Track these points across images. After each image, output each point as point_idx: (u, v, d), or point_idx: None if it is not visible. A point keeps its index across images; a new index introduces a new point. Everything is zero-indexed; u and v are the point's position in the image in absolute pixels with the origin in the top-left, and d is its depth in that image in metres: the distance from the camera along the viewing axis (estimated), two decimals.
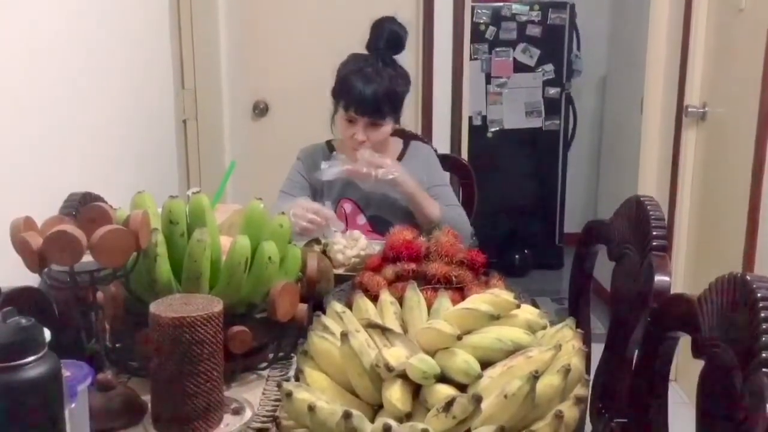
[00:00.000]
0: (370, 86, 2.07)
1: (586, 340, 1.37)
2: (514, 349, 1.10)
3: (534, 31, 4.49)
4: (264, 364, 1.42)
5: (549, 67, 4.54)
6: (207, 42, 3.08)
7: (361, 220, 2.15)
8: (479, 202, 2.52)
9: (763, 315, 1.00)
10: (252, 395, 1.32)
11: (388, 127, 2.12)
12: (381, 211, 2.15)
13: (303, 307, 1.41)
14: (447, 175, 2.36)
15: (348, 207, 2.19)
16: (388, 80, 2.09)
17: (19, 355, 0.91)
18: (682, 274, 3.06)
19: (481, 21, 4.44)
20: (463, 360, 1.07)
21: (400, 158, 2.23)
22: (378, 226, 2.10)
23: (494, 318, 1.14)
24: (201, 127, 3.13)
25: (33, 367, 0.92)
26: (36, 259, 1.16)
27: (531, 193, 4.76)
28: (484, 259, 1.59)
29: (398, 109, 2.15)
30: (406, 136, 2.35)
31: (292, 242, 1.52)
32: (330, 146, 2.26)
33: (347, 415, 0.97)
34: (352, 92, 2.07)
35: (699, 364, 1.18)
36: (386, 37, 2.14)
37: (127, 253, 1.21)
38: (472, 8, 3.93)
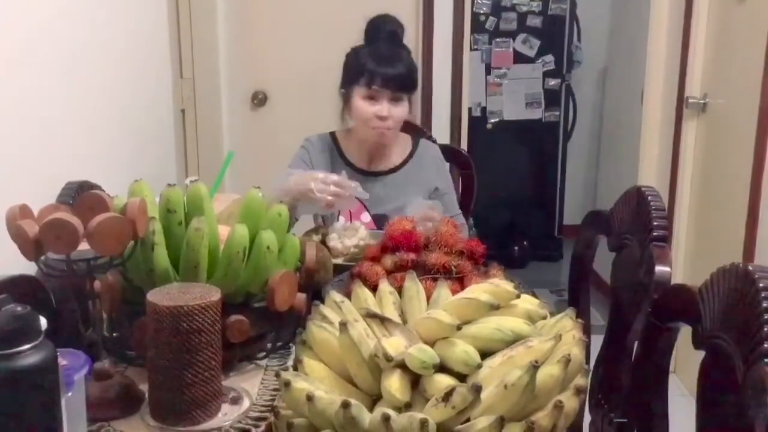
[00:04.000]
0: (392, 59, 2.07)
1: (586, 330, 1.36)
2: (514, 339, 1.10)
3: (534, 21, 4.47)
4: (262, 354, 1.42)
5: (549, 57, 4.52)
6: (205, 31, 3.06)
7: (366, 218, 2.14)
8: (478, 194, 2.52)
9: (765, 305, 0.99)
10: (250, 385, 1.32)
11: (406, 105, 2.12)
12: (385, 210, 2.14)
13: (301, 297, 1.40)
14: (450, 177, 2.35)
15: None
16: (402, 55, 2.11)
17: (15, 342, 0.91)
18: (682, 265, 3.06)
19: (481, 11, 4.42)
20: (462, 350, 1.06)
21: (410, 156, 2.23)
22: (382, 224, 2.08)
23: (494, 308, 1.14)
24: (199, 116, 3.12)
25: (29, 355, 0.91)
26: (32, 247, 1.15)
27: (530, 184, 4.75)
28: (483, 250, 1.59)
29: (416, 87, 2.15)
30: (414, 133, 2.34)
31: (293, 229, 1.52)
32: (334, 138, 2.24)
33: (346, 405, 0.96)
34: (374, 66, 2.06)
35: (698, 356, 1.18)
36: (386, 34, 2.14)
37: (125, 241, 1.20)
38: None
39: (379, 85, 2.06)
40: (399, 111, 2.10)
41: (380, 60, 2.07)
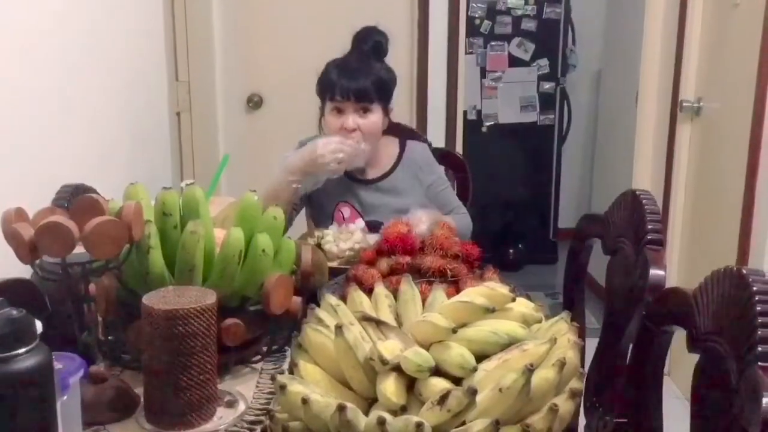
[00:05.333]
0: (354, 70, 2.08)
1: (581, 334, 1.36)
2: (510, 343, 1.10)
3: (529, 25, 4.48)
4: (258, 357, 1.42)
5: (544, 61, 4.53)
6: (201, 34, 3.06)
7: (360, 224, 2.14)
8: (474, 197, 2.52)
9: (758, 309, 1.00)
10: (246, 388, 1.32)
11: (377, 116, 2.10)
12: (379, 216, 2.14)
13: (297, 300, 1.40)
14: (442, 170, 2.35)
15: (346, 211, 2.18)
16: (372, 66, 2.11)
17: (10, 346, 0.90)
18: (676, 268, 3.07)
19: (476, 15, 4.42)
20: (458, 353, 1.06)
21: (397, 162, 2.22)
22: (376, 230, 2.08)
23: (489, 311, 1.14)
24: (195, 119, 3.12)
25: (24, 359, 0.91)
26: (27, 251, 1.15)
27: (525, 187, 4.76)
28: (479, 253, 1.59)
29: (386, 96, 2.13)
30: (401, 135, 2.33)
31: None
32: None
33: (341, 408, 0.96)
34: (336, 79, 2.07)
35: (692, 359, 1.18)
36: (370, 45, 2.15)
37: (120, 244, 1.20)
38: (467, 2, 3.92)
39: (341, 96, 2.06)
40: (368, 122, 2.08)
41: (345, 72, 2.07)
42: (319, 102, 2.17)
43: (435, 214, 2.00)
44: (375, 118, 2.10)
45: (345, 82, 2.06)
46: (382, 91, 2.10)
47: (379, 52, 2.16)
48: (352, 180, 2.18)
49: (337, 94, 2.06)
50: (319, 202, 2.19)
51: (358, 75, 2.07)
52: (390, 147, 2.23)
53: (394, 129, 2.30)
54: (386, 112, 2.15)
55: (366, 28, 2.18)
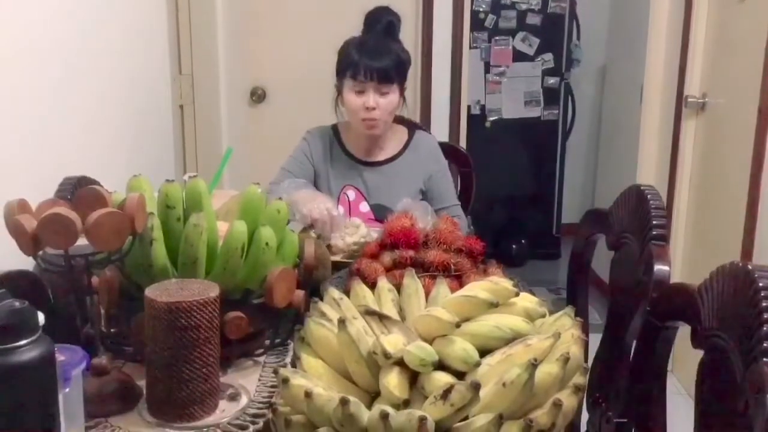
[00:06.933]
0: (376, 51, 2.09)
1: (584, 329, 1.36)
2: (513, 337, 1.10)
3: (534, 19, 4.48)
4: (260, 350, 1.42)
5: (548, 56, 4.52)
6: (204, 27, 3.06)
7: (364, 207, 2.15)
8: (477, 192, 2.52)
9: (764, 305, 0.99)
10: (248, 381, 1.31)
11: (395, 95, 2.13)
12: (384, 199, 2.15)
13: (300, 294, 1.40)
14: (447, 164, 2.36)
15: (351, 194, 2.19)
16: (391, 47, 2.13)
17: (13, 337, 0.90)
18: (681, 264, 3.06)
19: (481, 9, 4.42)
20: (461, 347, 1.06)
21: (405, 147, 2.24)
22: (380, 214, 2.09)
23: (493, 305, 1.13)
24: (198, 112, 3.12)
25: (26, 351, 0.91)
26: (30, 242, 1.14)
27: (529, 182, 4.76)
28: (482, 247, 1.59)
29: (404, 78, 2.16)
30: (411, 126, 2.35)
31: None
32: (336, 130, 2.25)
33: (344, 402, 0.96)
34: (358, 58, 2.08)
35: (696, 355, 1.18)
36: (383, 25, 2.16)
37: (123, 236, 1.20)
38: None
39: (364, 77, 2.08)
40: (387, 102, 2.11)
41: (367, 52, 2.10)
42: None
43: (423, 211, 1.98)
44: (393, 97, 2.13)
45: (367, 61, 2.08)
46: (400, 71, 2.14)
47: (391, 32, 2.18)
48: (359, 162, 2.20)
49: (360, 73, 2.08)
50: (326, 186, 2.20)
51: (379, 55, 2.09)
52: (399, 133, 2.26)
53: (402, 121, 2.32)
54: (402, 92, 2.17)
55: (378, 8, 2.20)
